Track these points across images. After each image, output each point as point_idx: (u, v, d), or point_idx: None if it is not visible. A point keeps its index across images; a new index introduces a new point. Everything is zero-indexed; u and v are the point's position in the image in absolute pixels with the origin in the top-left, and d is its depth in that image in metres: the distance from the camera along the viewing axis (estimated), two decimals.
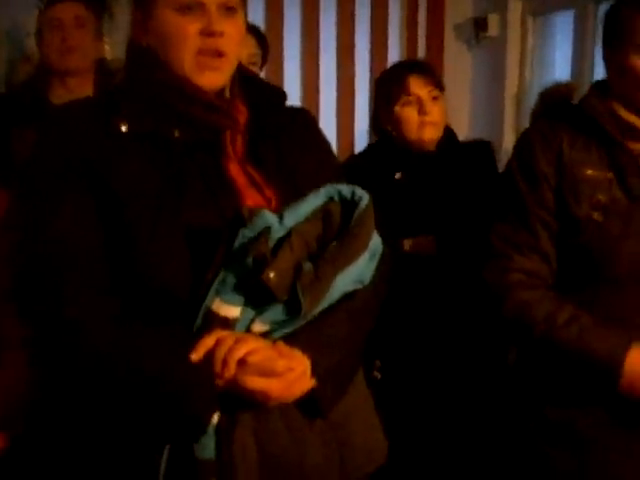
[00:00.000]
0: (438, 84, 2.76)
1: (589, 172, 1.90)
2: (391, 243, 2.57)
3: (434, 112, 2.71)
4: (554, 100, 3.08)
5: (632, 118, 1.90)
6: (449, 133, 2.81)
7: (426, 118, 2.70)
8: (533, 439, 2.01)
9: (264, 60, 2.91)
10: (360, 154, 3.02)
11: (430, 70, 2.82)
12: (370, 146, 3.03)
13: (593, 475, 1.94)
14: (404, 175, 2.72)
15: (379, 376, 2.66)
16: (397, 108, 2.71)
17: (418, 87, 2.71)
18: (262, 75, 2.72)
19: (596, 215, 1.88)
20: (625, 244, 1.87)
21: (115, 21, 4.42)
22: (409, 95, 2.70)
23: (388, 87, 2.76)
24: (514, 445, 2.07)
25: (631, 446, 1.91)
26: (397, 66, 2.93)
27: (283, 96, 1.71)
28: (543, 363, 1.97)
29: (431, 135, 2.72)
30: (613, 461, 1.91)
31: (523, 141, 2.02)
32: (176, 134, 1.51)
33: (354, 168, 2.72)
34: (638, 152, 1.90)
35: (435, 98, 2.73)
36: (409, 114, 2.70)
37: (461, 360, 2.68)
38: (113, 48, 4.16)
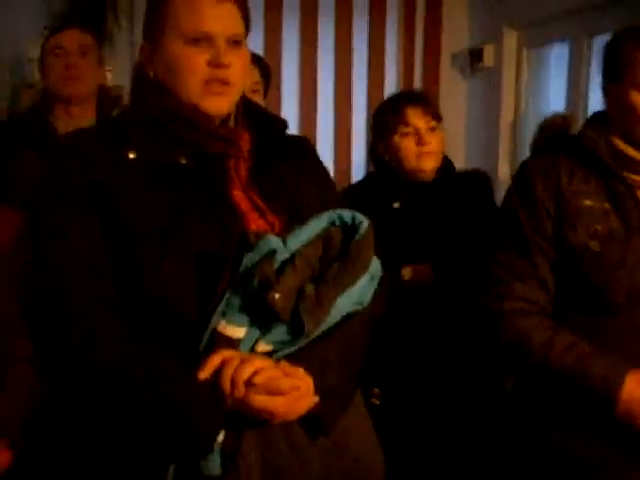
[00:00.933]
0: (435, 115, 2.80)
1: (587, 203, 1.93)
2: (390, 271, 2.63)
3: (432, 142, 2.74)
4: (553, 131, 3.12)
5: (630, 150, 1.93)
6: (447, 163, 2.85)
7: (424, 148, 2.73)
8: (534, 466, 2.02)
9: (266, 89, 2.96)
10: (359, 183, 3.05)
11: (428, 101, 2.86)
12: (369, 175, 3.07)
13: None
14: (402, 204, 2.76)
15: (378, 402, 2.68)
16: (395, 139, 2.75)
17: (416, 118, 2.75)
18: (263, 103, 2.77)
19: (594, 245, 1.91)
20: (622, 274, 1.89)
21: (116, 48, 4.50)
22: (407, 126, 2.74)
23: (386, 118, 2.80)
24: (515, 472, 2.08)
25: (629, 473, 1.93)
26: (395, 97, 2.97)
27: (284, 125, 1.78)
28: (541, 390, 1.99)
29: (429, 165, 2.76)
30: None
31: (522, 172, 2.04)
32: (182, 161, 1.57)
33: (353, 197, 2.76)
34: (635, 184, 1.93)
35: (433, 129, 2.76)
36: (407, 145, 2.74)
37: (460, 388, 2.70)
38: (114, 75, 4.23)
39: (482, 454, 2.60)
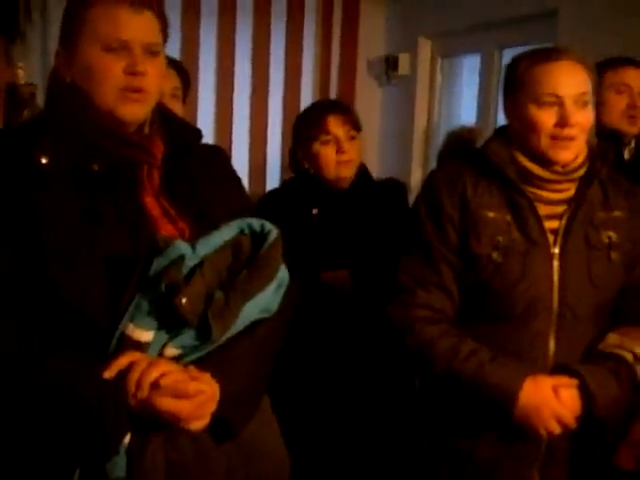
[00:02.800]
0: (355, 124, 2.84)
1: (490, 214, 1.99)
2: (308, 277, 2.65)
3: (351, 151, 2.79)
4: (458, 143, 3.20)
5: (531, 165, 1.99)
6: (364, 171, 2.90)
7: (343, 157, 2.77)
8: (435, 466, 2.09)
9: (185, 94, 2.97)
10: (277, 190, 3.06)
11: (349, 110, 2.90)
12: (285, 183, 3.09)
13: None
14: (321, 211, 2.79)
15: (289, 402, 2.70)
16: (316, 146, 2.79)
17: (337, 127, 2.78)
18: (179, 109, 2.77)
19: (495, 255, 1.97)
20: (521, 284, 1.97)
21: (28, 45, 4.42)
22: (328, 134, 2.78)
23: (307, 126, 2.83)
24: (417, 471, 2.14)
25: (521, 469, 2.02)
26: (316, 105, 3.01)
27: (199, 134, 1.80)
28: (445, 393, 2.05)
29: (347, 173, 2.80)
30: None
31: (429, 182, 2.10)
32: (95, 167, 1.57)
33: (272, 204, 2.78)
34: (536, 197, 1.99)
35: (352, 138, 2.81)
36: (327, 153, 2.78)
37: (373, 391, 2.75)
38: (26, 72, 4.16)
39: (391, 454, 2.65)
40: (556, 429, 1.92)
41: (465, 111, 4.78)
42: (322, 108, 2.90)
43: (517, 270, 1.97)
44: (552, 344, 1.98)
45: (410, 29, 5.04)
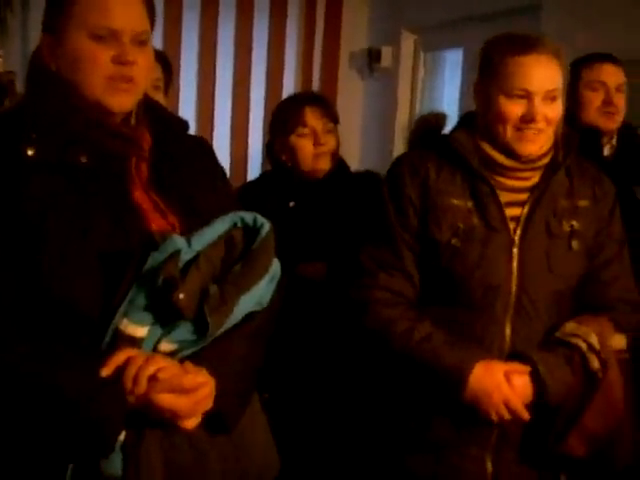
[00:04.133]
0: (333, 116, 2.85)
1: (452, 200, 2.02)
2: (285, 269, 2.65)
3: (328, 143, 2.80)
4: (425, 129, 3.20)
5: (494, 153, 2.01)
6: (341, 163, 2.91)
7: (320, 149, 2.78)
8: (393, 446, 2.11)
9: (168, 85, 2.96)
10: (254, 182, 3.06)
11: (326, 103, 2.90)
12: (264, 174, 3.09)
13: (446, 478, 2.06)
14: (297, 203, 2.79)
15: (267, 395, 2.71)
16: (293, 138, 2.79)
17: (314, 119, 2.78)
18: (162, 99, 2.76)
19: (455, 241, 2.00)
20: (480, 270, 1.99)
21: (8, 33, 4.38)
22: (305, 126, 2.78)
23: (285, 118, 2.82)
24: (377, 452, 2.16)
25: (471, 451, 2.04)
26: (294, 98, 3.00)
27: (185, 125, 1.79)
28: (401, 375, 2.07)
29: (324, 165, 2.80)
30: (462, 464, 2.04)
31: (394, 168, 2.12)
32: (83, 160, 1.54)
33: (248, 195, 2.78)
34: (498, 185, 2.01)
35: (329, 130, 2.81)
36: (304, 144, 2.78)
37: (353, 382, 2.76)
38: (6, 60, 4.12)
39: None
40: (506, 415, 1.95)
41: (447, 105, 4.79)
42: (299, 100, 2.90)
43: (476, 256, 2.00)
44: (508, 330, 2.00)
45: (393, 22, 5.06)
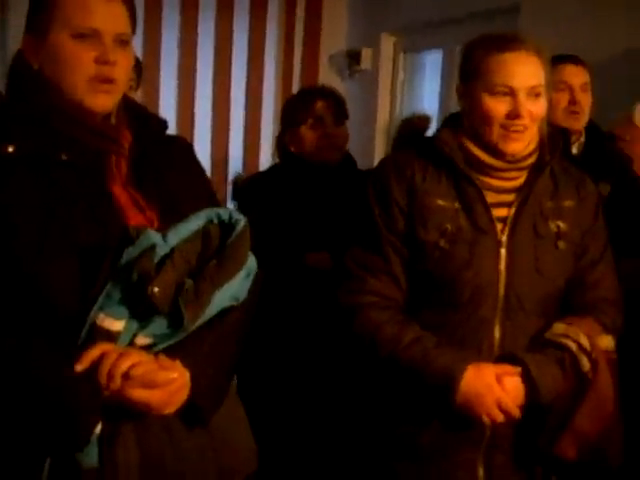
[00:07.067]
0: (343, 111, 2.93)
1: (438, 202, 2.01)
2: (293, 258, 2.67)
3: (338, 136, 2.87)
4: (410, 130, 3.23)
5: (479, 152, 2.01)
6: (348, 158, 2.95)
7: (330, 141, 2.85)
8: (380, 453, 2.11)
9: (138, 84, 2.99)
10: (263, 174, 3.12)
11: (337, 97, 2.98)
12: (273, 167, 3.13)
13: None
14: (306, 194, 2.82)
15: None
16: (303, 130, 2.83)
17: (325, 111, 2.87)
18: (137, 97, 2.79)
19: (443, 242, 1.99)
20: (468, 272, 1.99)
21: None
22: (315, 118, 2.86)
23: (296, 109, 2.88)
24: (366, 458, 2.16)
25: (462, 457, 2.04)
26: (306, 91, 3.12)
27: (164, 125, 1.80)
28: (391, 380, 2.06)
29: (333, 157, 2.85)
30: (449, 471, 2.04)
31: (379, 169, 2.12)
32: (63, 157, 1.56)
33: (258, 187, 2.81)
34: (485, 185, 2.01)
35: (339, 124, 2.90)
36: (314, 136, 2.85)
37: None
38: None
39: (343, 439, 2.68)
40: (499, 417, 1.94)
41: (427, 106, 4.80)
42: (311, 93, 2.95)
43: (464, 257, 1.99)
44: (497, 332, 2.00)
45: (372, 24, 5.08)
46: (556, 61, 2.75)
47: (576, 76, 2.82)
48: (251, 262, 1.59)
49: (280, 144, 2.95)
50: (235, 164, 5.09)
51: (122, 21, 1.61)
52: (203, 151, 4.91)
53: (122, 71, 1.60)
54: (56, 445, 1.47)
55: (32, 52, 1.61)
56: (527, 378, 1.96)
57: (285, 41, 5.20)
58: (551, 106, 2.75)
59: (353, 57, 5.17)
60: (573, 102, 2.79)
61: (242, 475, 1.73)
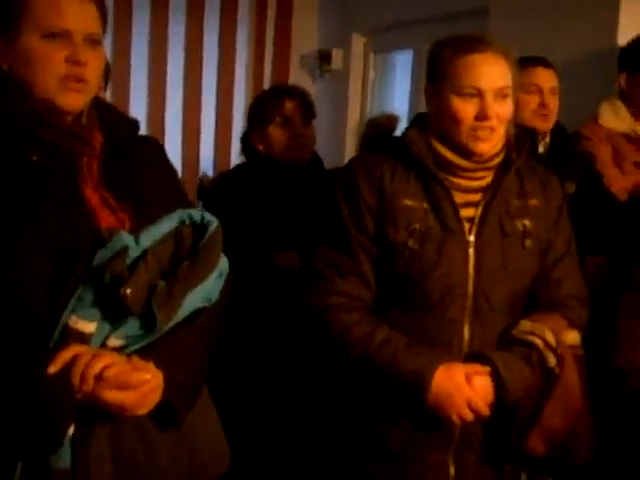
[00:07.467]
0: (311, 111, 2.93)
1: (407, 202, 2.02)
2: (262, 258, 2.65)
3: (306, 136, 2.86)
4: (378, 130, 3.24)
5: (448, 154, 2.02)
6: (316, 158, 2.95)
7: (298, 141, 2.84)
8: (353, 453, 2.12)
9: (106, 84, 2.99)
10: (228, 174, 3.10)
11: (305, 97, 2.97)
12: (238, 166, 3.10)
13: None
14: (274, 194, 2.81)
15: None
16: (270, 129, 2.83)
17: (293, 111, 2.86)
18: (106, 97, 2.78)
19: (412, 242, 2.00)
20: (437, 272, 2.00)
21: None
22: (283, 117, 2.85)
23: (264, 108, 2.87)
24: (336, 459, 2.16)
25: (433, 456, 2.06)
26: (274, 89, 3.09)
27: (136, 125, 1.80)
28: (361, 382, 2.06)
29: (301, 157, 2.84)
30: (421, 471, 2.06)
31: (347, 169, 2.12)
32: (34, 158, 1.55)
33: (224, 187, 2.80)
34: (452, 186, 2.03)
35: (307, 124, 2.90)
36: (282, 135, 2.84)
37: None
38: None
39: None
40: (468, 416, 1.96)
41: (398, 105, 4.83)
42: (279, 92, 2.94)
43: (433, 258, 2.00)
44: (467, 331, 2.02)
45: (343, 25, 5.09)
46: (527, 63, 2.78)
47: (546, 79, 2.86)
48: (223, 263, 1.60)
49: (246, 143, 2.94)
50: (206, 164, 5.08)
51: (93, 21, 1.61)
52: (174, 151, 4.89)
53: (93, 71, 1.60)
54: (29, 448, 1.47)
55: (1, 53, 1.60)
56: (496, 377, 1.97)
57: (256, 41, 5.20)
58: (519, 107, 2.80)
59: (324, 57, 5.18)
60: (542, 105, 2.83)
61: (214, 476, 1.74)
